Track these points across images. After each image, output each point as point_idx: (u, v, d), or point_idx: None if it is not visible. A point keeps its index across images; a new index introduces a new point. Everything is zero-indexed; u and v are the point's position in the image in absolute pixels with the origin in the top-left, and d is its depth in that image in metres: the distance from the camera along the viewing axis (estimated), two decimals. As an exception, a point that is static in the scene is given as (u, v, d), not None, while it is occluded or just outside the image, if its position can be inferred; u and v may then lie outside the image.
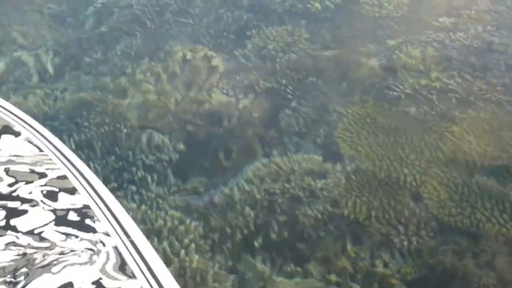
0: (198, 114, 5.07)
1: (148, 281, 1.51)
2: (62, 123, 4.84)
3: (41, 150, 1.99)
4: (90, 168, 4.05)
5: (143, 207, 4.28)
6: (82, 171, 1.92)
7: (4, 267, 1.48)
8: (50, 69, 5.34)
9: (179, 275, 3.83)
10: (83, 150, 4.66)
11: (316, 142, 5.08)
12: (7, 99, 3.86)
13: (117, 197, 4.32)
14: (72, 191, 1.80)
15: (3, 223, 1.65)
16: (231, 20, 6.11)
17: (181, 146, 4.82)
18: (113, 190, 4.44)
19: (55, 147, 2.03)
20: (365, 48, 6.03)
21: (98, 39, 5.65)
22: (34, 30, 5.72)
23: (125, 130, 4.76)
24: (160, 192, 4.48)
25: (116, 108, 4.95)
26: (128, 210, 4.15)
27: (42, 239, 1.61)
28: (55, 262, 1.52)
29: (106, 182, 4.44)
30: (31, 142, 2.02)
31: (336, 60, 5.83)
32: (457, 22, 6.53)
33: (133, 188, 4.50)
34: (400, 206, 4.60)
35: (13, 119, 2.14)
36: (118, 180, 4.53)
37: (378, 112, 5.37)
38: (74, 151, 2.05)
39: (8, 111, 2.18)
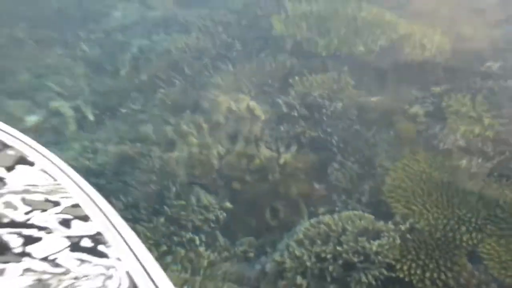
0: (244, 169, 4.91)
1: None
2: (109, 182, 4.72)
3: (55, 180, 2.04)
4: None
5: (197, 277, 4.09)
6: (94, 199, 1.97)
7: None
8: (90, 117, 5.24)
9: None
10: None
11: (362, 200, 4.88)
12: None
13: (166, 264, 4.21)
14: (85, 218, 1.86)
15: (19, 250, 1.71)
16: (274, 66, 5.97)
17: (228, 205, 4.65)
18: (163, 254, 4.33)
19: (69, 177, 2.08)
20: (411, 94, 5.86)
21: (136, 88, 5.54)
22: (69, 78, 5.63)
23: (174, 188, 4.60)
24: (211, 257, 4.31)
25: (164, 163, 4.81)
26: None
27: (57, 265, 1.66)
28: (69, 287, 1.58)
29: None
30: (45, 172, 2.07)
31: (381, 108, 5.66)
32: (505, 67, 6.35)
33: (182, 251, 4.33)
34: (458, 268, 4.39)
35: (28, 150, 2.18)
36: (168, 243, 4.37)
37: (430, 165, 5.15)
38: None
39: (22, 141, 2.22)
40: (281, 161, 4.99)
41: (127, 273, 1.64)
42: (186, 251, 4.34)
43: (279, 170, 4.93)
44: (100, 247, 1.72)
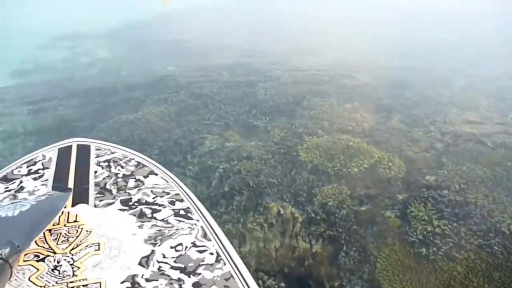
0: (290, 257, 4.25)
1: (216, 242, 1.66)
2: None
3: (167, 182, 2.09)
4: None
5: None
6: (187, 192, 2.02)
7: (150, 236, 1.66)
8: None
9: None
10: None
11: (363, 277, 4.22)
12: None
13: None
14: (181, 200, 1.93)
15: (149, 215, 1.81)
16: (302, 181, 5.43)
17: (282, 284, 3.98)
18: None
19: (173, 180, 2.12)
20: (384, 203, 5.29)
21: (221, 195, 5.04)
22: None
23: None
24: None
25: (243, 255, 4.17)
26: None
27: (167, 223, 1.77)
28: (173, 233, 1.69)
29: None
30: (163, 178, 2.11)
31: (368, 213, 5.08)
32: (438, 180, 5.80)
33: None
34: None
35: (154, 167, 2.21)
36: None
37: (403, 254, 4.52)
38: None
39: (152, 164, 2.25)
40: (313, 250, 4.39)
41: (201, 227, 1.76)
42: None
43: (311, 257, 4.32)
44: (188, 214, 1.83)
